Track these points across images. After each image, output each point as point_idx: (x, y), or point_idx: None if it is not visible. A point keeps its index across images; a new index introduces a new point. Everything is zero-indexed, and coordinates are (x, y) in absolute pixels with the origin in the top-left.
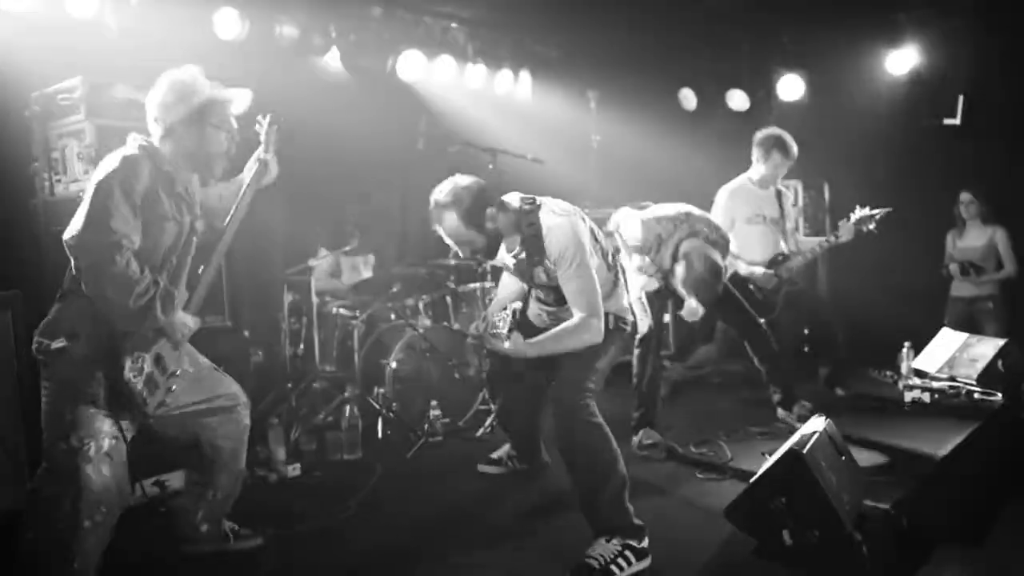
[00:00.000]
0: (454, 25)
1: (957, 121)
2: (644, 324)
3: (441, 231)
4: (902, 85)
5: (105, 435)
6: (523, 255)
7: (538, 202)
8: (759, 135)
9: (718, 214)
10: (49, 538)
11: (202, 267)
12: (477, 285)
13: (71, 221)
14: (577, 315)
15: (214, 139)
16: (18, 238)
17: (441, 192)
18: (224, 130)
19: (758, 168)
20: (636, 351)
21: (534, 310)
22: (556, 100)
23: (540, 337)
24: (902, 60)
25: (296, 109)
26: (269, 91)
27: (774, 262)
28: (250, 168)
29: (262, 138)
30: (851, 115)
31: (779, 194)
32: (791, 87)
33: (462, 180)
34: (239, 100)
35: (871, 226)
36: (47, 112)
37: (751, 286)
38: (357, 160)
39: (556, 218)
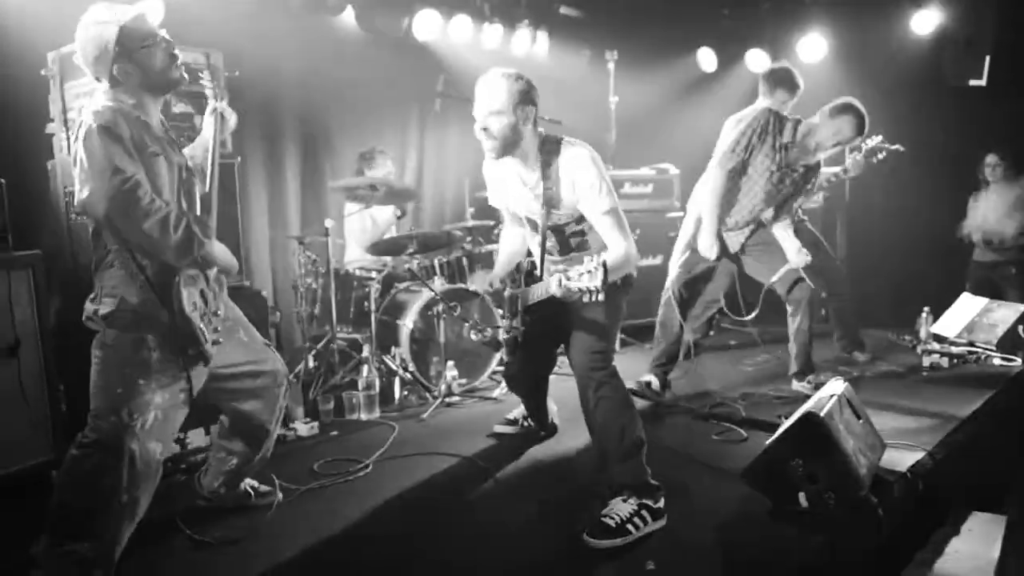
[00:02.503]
0: None
1: (983, 82)
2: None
3: (485, 107)
4: (927, 45)
5: (154, 408)
6: (541, 188)
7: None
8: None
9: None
10: (85, 508)
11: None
12: (494, 247)
13: (75, 190)
14: (616, 247)
15: (151, 60)
16: (36, 198)
17: (511, 70)
18: (154, 47)
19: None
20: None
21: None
22: (573, 60)
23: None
24: (927, 20)
25: (311, 69)
26: (284, 51)
27: None
28: (207, 123)
29: (208, 92)
30: (874, 76)
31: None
32: (813, 47)
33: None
34: (150, 12)
35: (881, 156)
36: (64, 72)
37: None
38: (373, 120)
39: (578, 147)
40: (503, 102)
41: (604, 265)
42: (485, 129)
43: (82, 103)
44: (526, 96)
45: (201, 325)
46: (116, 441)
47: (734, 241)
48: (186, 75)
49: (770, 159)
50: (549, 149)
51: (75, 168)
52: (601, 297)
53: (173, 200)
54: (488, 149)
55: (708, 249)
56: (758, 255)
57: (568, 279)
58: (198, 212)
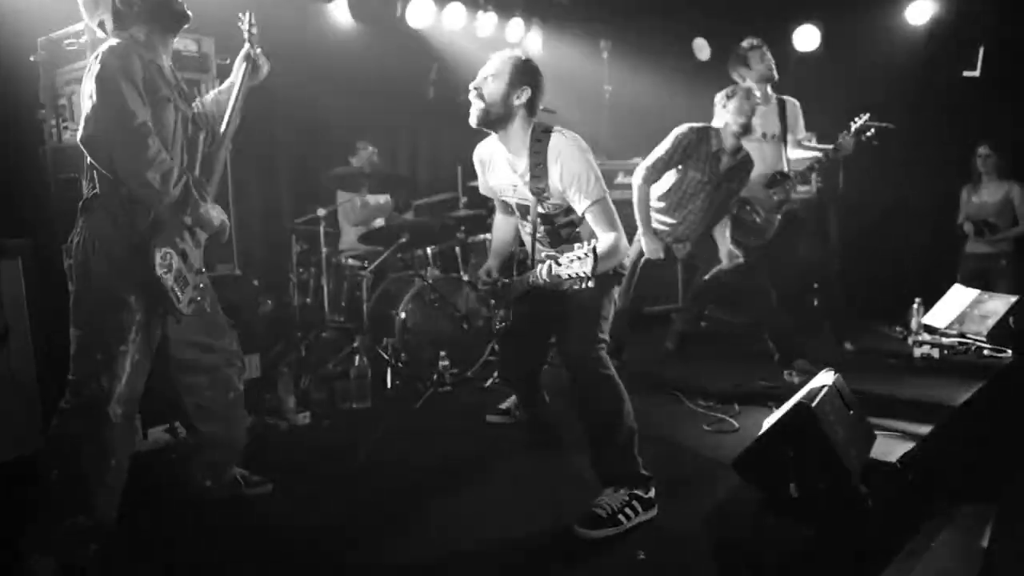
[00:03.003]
0: None
1: (976, 73)
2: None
3: (485, 71)
4: (921, 36)
5: (127, 372)
6: (529, 176)
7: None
8: (730, 63)
9: None
10: (74, 475)
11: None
12: (487, 236)
13: (80, 123)
14: (605, 237)
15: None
16: (26, 185)
17: (526, 53)
18: None
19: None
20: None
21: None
22: (568, 49)
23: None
24: (921, 10)
25: (304, 57)
26: (276, 38)
27: (773, 180)
28: (239, 67)
29: (245, 35)
30: (868, 67)
31: (782, 105)
32: (807, 37)
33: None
34: None
35: (870, 133)
36: (54, 57)
37: (748, 207)
38: (366, 108)
39: (567, 136)
40: (501, 69)
41: (595, 251)
42: (476, 89)
43: (72, 89)
44: (526, 75)
45: (174, 285)
46: (98, 407)
47: (680, 250)
48: (189, 12)
49: (701, 172)
50: (539, 137)
51: (84, 101)
52: (591, 284)
53: (176, 152)
54: (473, 112)
55: (654, 252)
56: (701, 253)
57: (559, 265)
58: (197, 168)
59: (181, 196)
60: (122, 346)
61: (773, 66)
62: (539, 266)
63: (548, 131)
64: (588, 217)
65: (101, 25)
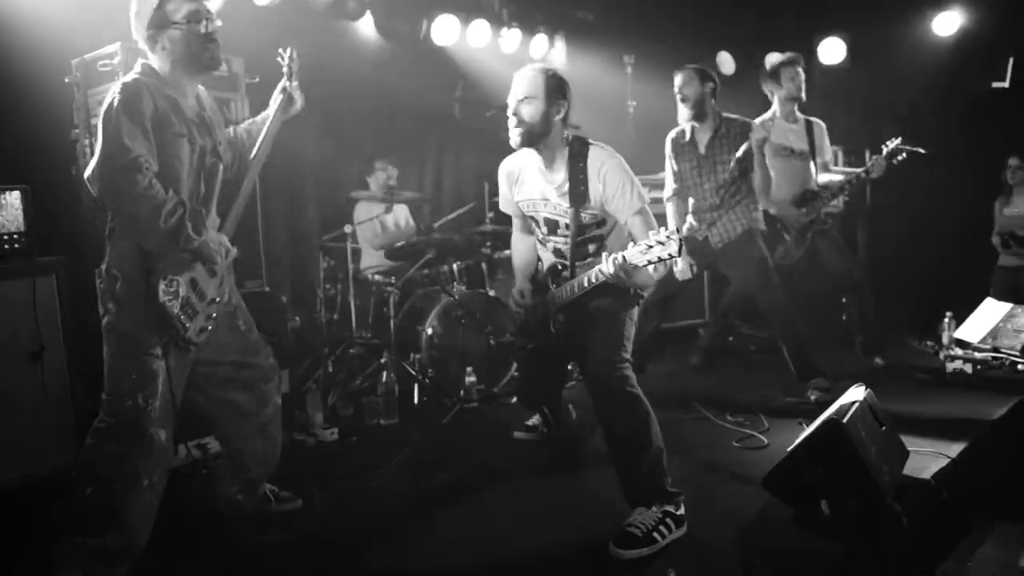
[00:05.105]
0: None
1: (1006, 84)
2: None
3: (516, 94)
4: (948, 47)
5: (162, 394)
6: (568, 186)
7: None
8: (761, 75)
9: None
10: (108, 493)
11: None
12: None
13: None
14: None
15: (185, 38)
16: (60, 204)
17: (551, 67)
18: (198, 20)
19: (777, 99)
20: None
21: (552, 264)
22: (591, 65)
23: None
24: (949, 22)
25: (330, 74)
26: (304, 56)
27: (803, 199)
28: (275, 99)
29: (284, 69)
30: (895, 79)
31: (809, 126)
32: (833, 50)
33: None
34: None
35: (902, 157)
36: (87, 78)
37: (779, 225)
38: (392, 125)
39: (606, 151)
40: (535, 89)
41: (678, 232)
42: (515, 115)
43: None
44: (560, 90)
45: (179, 313)
46: (135, 426)
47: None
48: (220, 59)
49: (691, 164)
50: (578, 149)
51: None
52: (680, 262)
53: (190, 182)
54: (514, 136)
55: (682, 273)
56: (727, 264)
57: (628, 256)
58: (215, 197)
59: (173, 229)
60: (155, 364)
61: (803, 86)
62: (603, 262)
63: (586, 143)
64: (631, 226)
65: (138, 40)
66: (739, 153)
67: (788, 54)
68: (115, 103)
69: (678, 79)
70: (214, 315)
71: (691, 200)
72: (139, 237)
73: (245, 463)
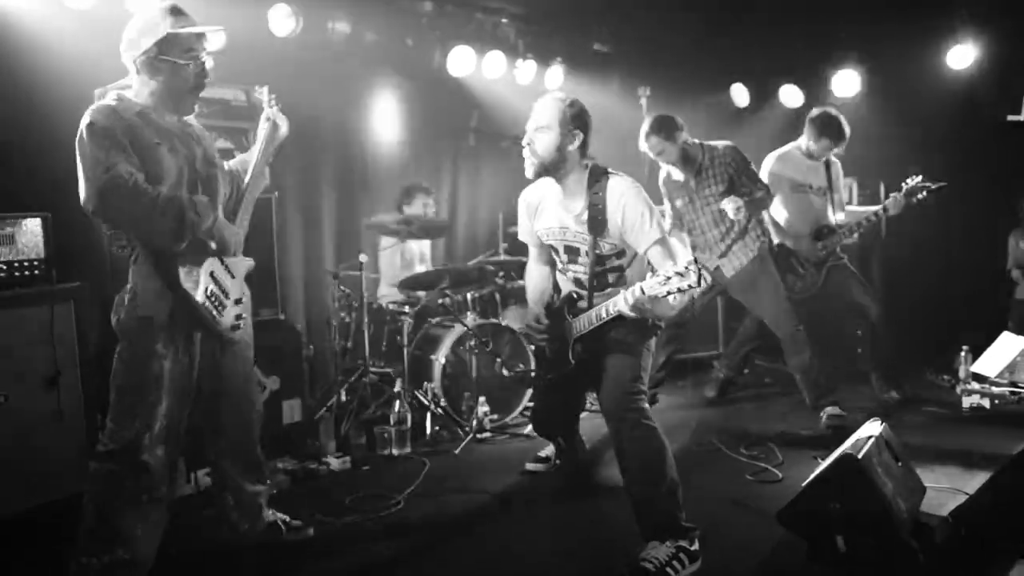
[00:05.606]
0: (504, 21)
1: (1021, 118)
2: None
3: (533, 123)
4: (963, 81)
5: (160, 417)
6: (587, 215)
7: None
8: (814, 112)
9: (764, 179)
10: (112, 511)
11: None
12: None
13: None
14: None
15: (180, 75)
16: (80, 232)
17: (570, 97)
18: (190, 66)
19: (807, 142)
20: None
21: (567, 294)
22: (606, 96)
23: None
24: (964, 55)
25: (347, 105)
26: (321, 87)
27: (819, 234)
28: (261, 127)
29: (265, 100)
30: (909, 112)
31: (828, 164)
32: (847, 83)
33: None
34: (211, 36)
35: (922, 195)
36: None
37: (793, 259)
38: (407, 156)
39: (626, 180)
40: (551, 119)
41: (696, 262)
42: (529, 144)
43: None
44: (576, 120)
45: (204, 302)
46: (131, 454)
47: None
48: (195, 107)
49: (684, 200)
50: (597, 178)
51: None
52: (698, 292)
53: (183, 191)
54: (528, 165)
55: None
56: (742, 292)
57: (646, 288)
58: (220, 206)
59: (175, 219)
60: (151, 396)
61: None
62: (621, 295)
63: (605, 173)
64: (652, 255)
65: (126, 63)
66: (723, 187)
67: (844, 139)
68: (82, 130)
69: (649, 148)
70: (244, 315)
71: (687, 236)
72: (148, 238)
73: (231, 488)
